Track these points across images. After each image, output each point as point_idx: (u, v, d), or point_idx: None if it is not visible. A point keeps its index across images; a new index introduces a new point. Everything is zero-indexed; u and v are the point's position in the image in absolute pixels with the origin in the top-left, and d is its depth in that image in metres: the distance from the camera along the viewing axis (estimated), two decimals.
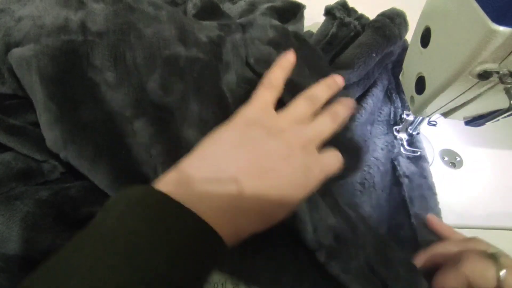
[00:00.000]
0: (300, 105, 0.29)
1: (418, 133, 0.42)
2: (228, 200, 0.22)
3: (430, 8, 0.30)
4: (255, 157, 0.24)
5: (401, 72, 0.38)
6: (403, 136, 0.42)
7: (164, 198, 0.20)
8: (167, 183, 0.23)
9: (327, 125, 0.28)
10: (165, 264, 0.18)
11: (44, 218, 0.28)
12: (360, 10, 0.48)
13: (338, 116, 0.29)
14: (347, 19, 0.45)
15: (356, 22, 0.45)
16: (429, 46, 0.30)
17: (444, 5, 0.28)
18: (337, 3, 0.48)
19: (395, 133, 0.43)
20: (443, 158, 0.43)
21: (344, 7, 0.48)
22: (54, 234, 0.28)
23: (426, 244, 0.32)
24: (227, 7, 0.47)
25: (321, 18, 0.47)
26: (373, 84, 0.43)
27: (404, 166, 0.40)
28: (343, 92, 0.38)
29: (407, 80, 0.35)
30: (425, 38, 0.30)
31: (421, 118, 0.39)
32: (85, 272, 0.17)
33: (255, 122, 0.26)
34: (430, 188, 0.38)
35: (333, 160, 0.28)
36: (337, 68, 0.39)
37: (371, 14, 0.45)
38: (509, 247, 0.36)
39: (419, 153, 0.41)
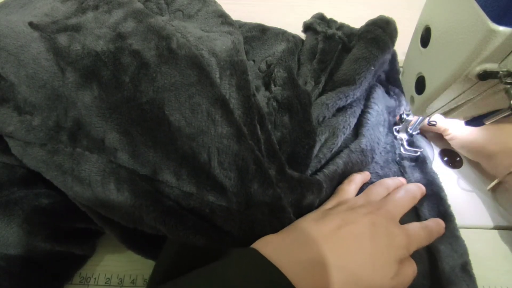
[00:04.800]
0: (376, 189, 0.35)
1: (418, 133, 0.42)
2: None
3: (430, 8, 0.30)
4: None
5: (401, 72, 0.38)
6: (403, 136, 0.42)
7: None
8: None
9: (401, 196, 0.34)
10: None
11: (41, 227, 0.28)
12: (362, 10, 0.46)
13: (410, 192, 0.35)
14: (329, 31, 0.44)
15: (339, 33, 0.44)
16: (429, 46, 0.30)
17: (444, 5, 0.28)
18: (313, 17, 0.47)
19: (395, 133, 0.43)
20: (443, 158, 0.43)
21: (323, 19, 0.47)
22: (53, 242, 0.28)
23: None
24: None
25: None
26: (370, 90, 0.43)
27: (410, 173, 0.40)
28: (350, 111, 0.39)
29: (407, 80, 0.35)
30: (425, 38, 0.30)
31: (421, 118, 0.39)
32: None
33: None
34: (441, 196, 0.37)
35: (419, 231, 0.31)
36: (340, 85, 0.38)
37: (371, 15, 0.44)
38: (509, 247, 0.36)
39: (419, 153, 0.41)
